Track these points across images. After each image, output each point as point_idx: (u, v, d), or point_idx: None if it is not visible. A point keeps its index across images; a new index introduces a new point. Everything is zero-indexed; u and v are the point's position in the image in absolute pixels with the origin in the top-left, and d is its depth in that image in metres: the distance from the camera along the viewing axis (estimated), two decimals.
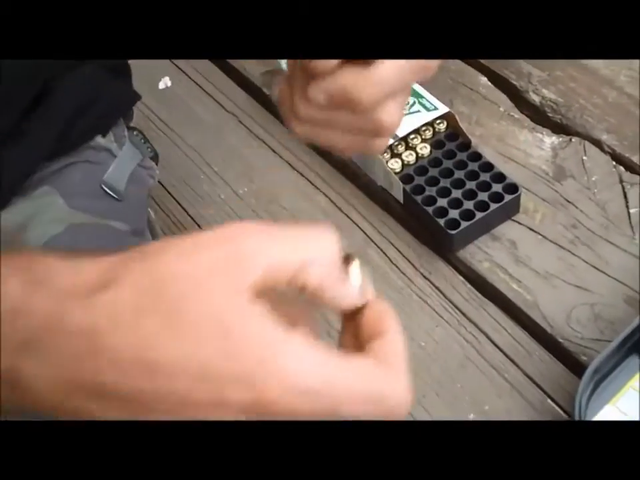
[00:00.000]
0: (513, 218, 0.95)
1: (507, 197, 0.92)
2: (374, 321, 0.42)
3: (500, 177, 0.94)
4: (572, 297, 0.88)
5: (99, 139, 0.76)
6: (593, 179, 0.98)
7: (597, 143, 1.01)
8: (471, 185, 0.94)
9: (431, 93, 1.00)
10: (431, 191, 0.94)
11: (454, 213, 0.91)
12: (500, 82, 1.11)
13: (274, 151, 1.08)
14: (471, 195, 0.93)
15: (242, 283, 0.38)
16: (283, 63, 0.90)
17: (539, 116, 1.06)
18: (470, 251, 0.93)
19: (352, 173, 1.04)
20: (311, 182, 1.04)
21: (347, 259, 0.43)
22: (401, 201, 0.97)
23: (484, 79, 1.11)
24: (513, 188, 0.93)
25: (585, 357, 0.83)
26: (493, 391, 0.83)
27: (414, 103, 0.99)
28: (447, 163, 0.96)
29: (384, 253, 0.95)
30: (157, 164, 0.87)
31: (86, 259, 0.40)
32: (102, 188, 0.75)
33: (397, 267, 0.94)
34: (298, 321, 0.41)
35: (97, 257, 0.40)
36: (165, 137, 1.12)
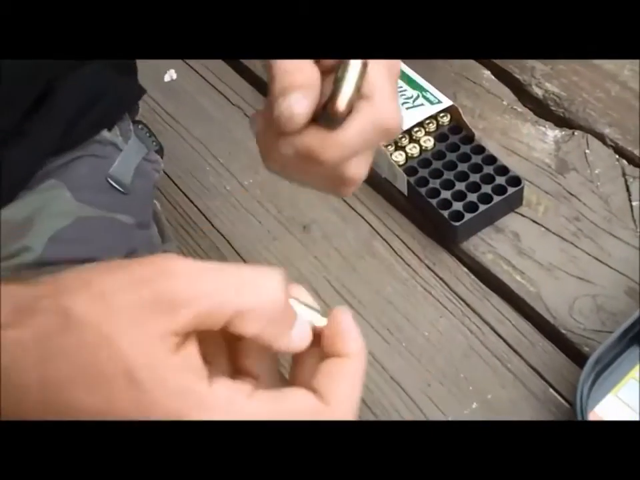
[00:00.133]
0: (516, 210, 0.96)
1: (510, 190, 0.93)
2: (332, 340, 0.40)
3: (503, 170, 0.94)
4: (574, 289, 0.88)
5: (105, 133, 0.76)
6: (596, 172, 0.99)
7: (600, 137, 1.02)
8: (474, 177, 0.94)
9: (434, 87, 1.01)
10: (434, 184, 0.95)
11: (458, 205, 0.92)
12: (503, 76, 1.11)
13: None
14: (474, 187, 0.94)
15: (162, 331, 0.36)
16: None
17: (542, 109, 1.07)
18: (474, 243, 0.94)
19: None
20: None
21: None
22: (405, 193, 0.98)
23: (487, 73, 1.12)
24: (516, 180, 0.94)
25: (587, 348, 0.83)
26: (496, 380, 0.84)
27: (418, 96, 0.99)
28: (451, 156, 0.97)
29: (389, 244, 0.96)
30: (162, 157, 0.87)
31: (5, 290, 0.38)
32: (108, 181, 0.76)
33: (401, 258, 0.95)
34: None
35: (13, 289, 0.38)
36: (171, 129, 1.13)
